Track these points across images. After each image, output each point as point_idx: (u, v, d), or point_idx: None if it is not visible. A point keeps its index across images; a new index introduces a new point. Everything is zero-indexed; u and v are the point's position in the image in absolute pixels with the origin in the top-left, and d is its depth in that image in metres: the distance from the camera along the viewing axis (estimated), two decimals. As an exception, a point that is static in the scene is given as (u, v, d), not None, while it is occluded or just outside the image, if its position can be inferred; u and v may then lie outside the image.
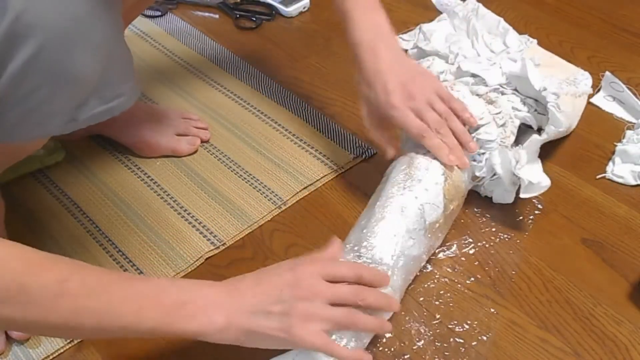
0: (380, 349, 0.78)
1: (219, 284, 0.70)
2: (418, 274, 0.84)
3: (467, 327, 0.80)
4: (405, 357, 0.77)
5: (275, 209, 0.96)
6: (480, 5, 1.12)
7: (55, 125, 0.71)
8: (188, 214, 0.95)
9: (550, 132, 0.93)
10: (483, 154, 0.89)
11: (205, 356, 0.77)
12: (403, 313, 0.81)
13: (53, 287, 0.61)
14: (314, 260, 0.72)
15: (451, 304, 0.82)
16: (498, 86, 0.96)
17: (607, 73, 1.08)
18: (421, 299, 0.83)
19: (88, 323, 0.62)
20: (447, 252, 0.88)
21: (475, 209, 0.94)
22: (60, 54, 0.65)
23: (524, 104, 0.96)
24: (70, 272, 0.63)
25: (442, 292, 0.84)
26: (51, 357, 0.80)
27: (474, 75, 0.98)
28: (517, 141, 0.95)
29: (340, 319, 0.69)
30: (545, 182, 0.87)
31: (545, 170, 0.89)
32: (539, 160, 0.91)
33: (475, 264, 0.87)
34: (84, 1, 0.66)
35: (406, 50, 1.13)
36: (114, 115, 0.76)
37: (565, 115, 0.93)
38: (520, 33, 1.11)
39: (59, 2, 0.64)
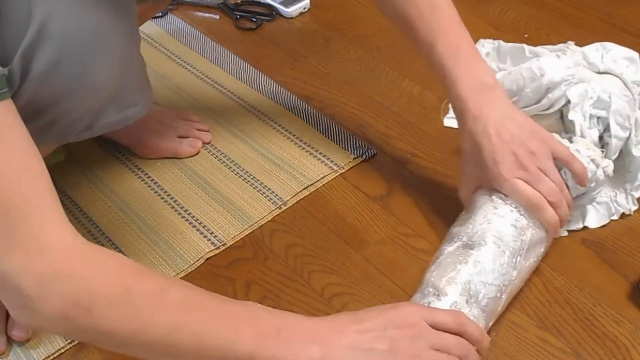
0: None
1: (315, 317, 0.67)
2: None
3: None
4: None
5: (275, 209, 0.96)
6: (501, 41, 1.02)
7: (72, 133, 0.73)
8: (188, 214, 0.95)
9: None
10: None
11: None
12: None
13: (155, 295, 0.60)
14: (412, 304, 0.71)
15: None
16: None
17: None
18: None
19: (187, 342, 0.60)
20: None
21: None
22: (79, 64, 0.66)
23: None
24: (170, 283, 0.63)
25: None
26: (52, 357, 0.80)
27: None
28: None
29: None
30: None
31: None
32: None
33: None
34: (103, 13, 0.67)
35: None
36: (127, 124, 0.77)
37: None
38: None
39: (80, 14, 0.65)
